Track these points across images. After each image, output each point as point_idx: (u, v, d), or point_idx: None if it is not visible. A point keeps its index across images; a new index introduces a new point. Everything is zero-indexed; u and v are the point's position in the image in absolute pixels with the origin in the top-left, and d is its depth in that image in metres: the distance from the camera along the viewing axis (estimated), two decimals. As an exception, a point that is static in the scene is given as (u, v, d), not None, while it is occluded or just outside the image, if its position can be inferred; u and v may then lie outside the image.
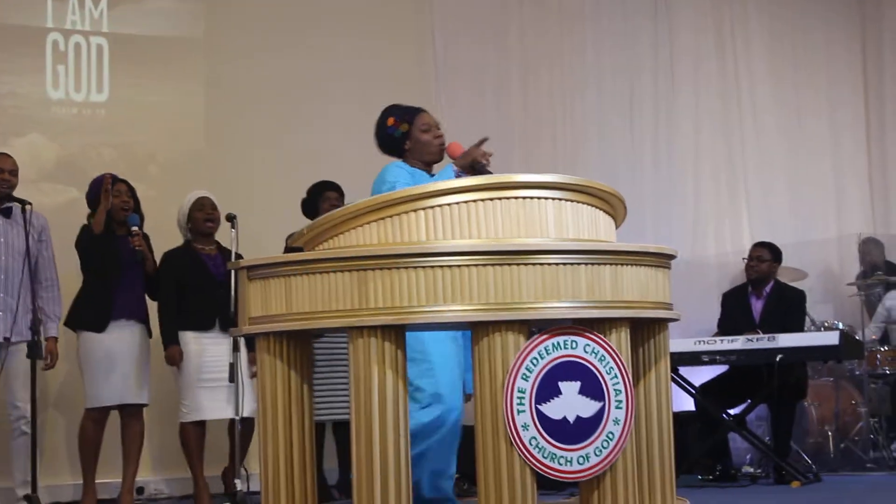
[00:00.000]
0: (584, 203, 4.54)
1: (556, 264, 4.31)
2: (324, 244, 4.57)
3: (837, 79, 11.66)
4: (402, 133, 5.69)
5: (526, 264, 4.28)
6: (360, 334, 4.36)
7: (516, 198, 4.43)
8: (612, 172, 9.91)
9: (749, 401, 8.61)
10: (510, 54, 10.10)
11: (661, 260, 4.63)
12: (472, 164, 5.28)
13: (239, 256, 7.03)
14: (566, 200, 4.49)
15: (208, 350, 7.46)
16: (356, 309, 4.35)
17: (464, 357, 5.46)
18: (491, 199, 4.41)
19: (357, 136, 9.16)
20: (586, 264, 4.36)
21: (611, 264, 4.41)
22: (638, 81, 10.52)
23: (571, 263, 4.33)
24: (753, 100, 11.06)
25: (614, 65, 10.47)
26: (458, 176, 5.20)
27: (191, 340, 7.49)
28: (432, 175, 5.63)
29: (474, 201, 4.40)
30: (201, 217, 7.68)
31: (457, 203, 4.40)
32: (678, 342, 8.59)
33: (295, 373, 4.69)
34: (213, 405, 7.45)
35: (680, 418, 8.92)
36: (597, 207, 4.60)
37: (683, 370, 8.55)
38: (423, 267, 4.28)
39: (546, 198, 4.45)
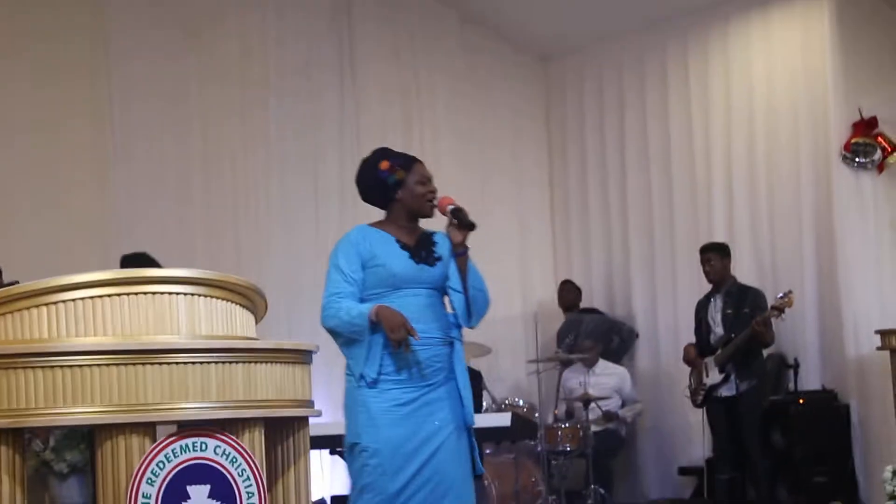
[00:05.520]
0: (219, 298, 4.40)
1: (185, 363, 4.16)
2: (-59, 340, 4.30)
3: (523, 157, 11.91)
4: (396, 180, 5.19)
5: (152, 363, 4.12)
6: (-25, 437, 4.12)
7: (146, 293, 4.26)
8: (298, 262, 9.80)
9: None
10: (191, 143, 9.85)
11: (299, 356, 4.53)
12: (455, 215, 5.10)
13: None
14: (200, 296, 4.34)
15: None
16: (-29, 411, 4.10)
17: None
18: (119, 295, 4.23)
19: (32, 205, 8.92)
20: (217, 363, 4.22)
21: (244, 362, 4.28)
22: (323, 165, 10.40)
23: (201, 362, 4.19)
24: (440, 177, 11.02)
25: (299, 149, 10.34)
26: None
27: None
28: (415, 235, 5.25)
29: (101, 297, 4.21)
30: None
31: (82, 298, 4.20)
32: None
33: None
34: None
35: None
36: (233, 302, 4.46)
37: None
38: (43, 367, 4.07)
39: (178, 293, 4.30)
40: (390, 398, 5.01)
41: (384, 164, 5.24)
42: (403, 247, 5.16)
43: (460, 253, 5.22)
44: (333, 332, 5.03)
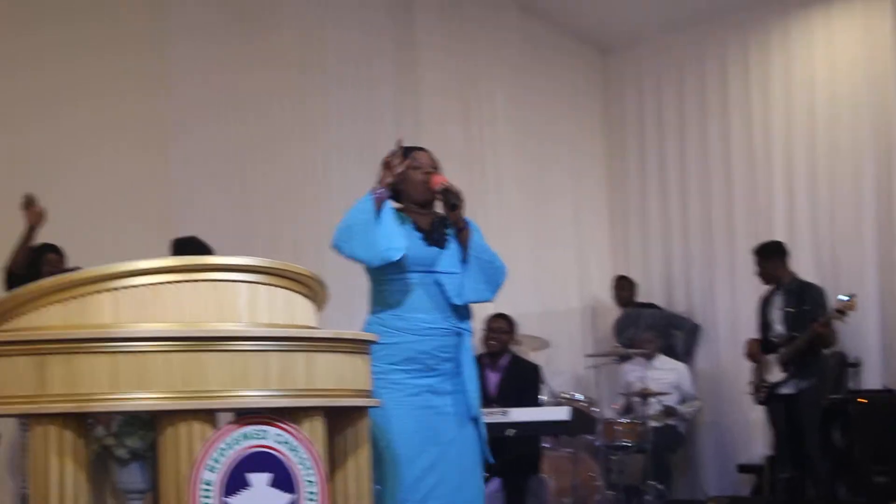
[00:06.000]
0: (280, 287, 4.38)
1: (246, 351, 4.14)
2: (5, 324, 4.30)
3: (581, 150, 11.86)
4: None
5: (213, 350, 4.10)
6: (39, 422, 4.12)
7: (208, 280, 4.24)
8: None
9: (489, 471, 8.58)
10: (251, 130, 9.85)
11: (359, 346, 4.50)
12: (443, 194, 5.19)
13: None
14: (261, 284, 4.32)
15: None
16: (34, 395, 4.10)
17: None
18: (181, 282, 4.22)
19: (90, 190, 8.94)
20: (278, 351, 4.20)
21: (304, 351, 4.26)
22: (382, 153, 10.35)
23: (262, 350, 4.16)
24: (498, 169, 11.13)
25: (357, 136, 10.33)
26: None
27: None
28: (429, 218, 5.35)
29: (163, 283, 4.20)
30: None
31: (145, 285, 4.19)
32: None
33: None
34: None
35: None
36: (294, 291, 4.44)
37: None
38: (106, 352, 4.06)
39: (239, 281, 4.28)
40: (402, 389, 5.13)
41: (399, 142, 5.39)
42: (418, 229, 5.24)
43: (459, 228, 5.30)
44: (344, 236, 5.10)
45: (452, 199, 5.21)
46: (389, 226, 5.09)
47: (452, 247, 5.30)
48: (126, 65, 9.27)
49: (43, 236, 8.06)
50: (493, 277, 5.31)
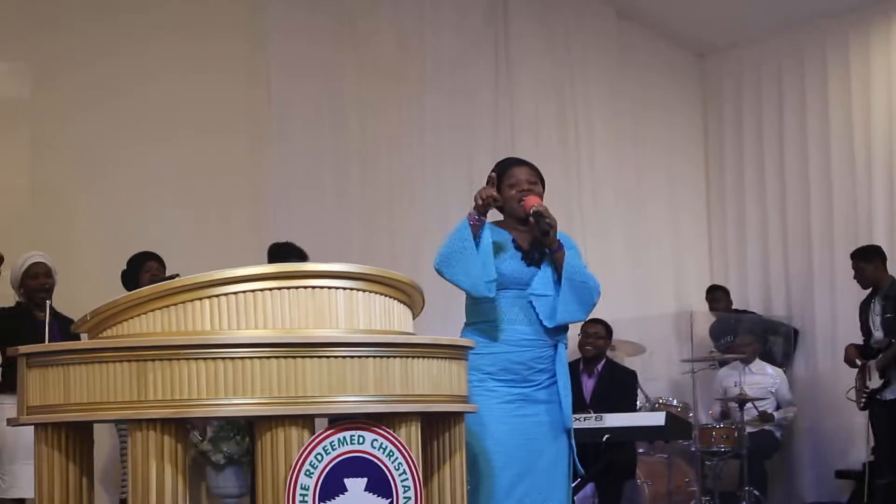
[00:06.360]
0: (377, 293, 4.40)
1: (343, 357, 4.17)
2: (106, 332, 4.37)
3: (678, 155, 11.78)
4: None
5: (311, 357, 4.13)
6: (138, 427, 4.18)
7: (306, 287, 4.28)
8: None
9: (578, 479, 8.56)
10: (349, 135, 9.90)
11: (456, 352, 4.51)
12: (535, 217, 5.15)
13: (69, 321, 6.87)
14: (358, 290, 4.35)
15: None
16: (135, 401, 4.16)
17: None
18: (279, 289, 4.26)
19: (188, 194, 9.03)
20: (375, 357, 4.22)
21: (401, 357, 4.27)
22: (478, 160, 10.36)
23: (359, 356, 4.19)
24: (594, 173, 11.09)
25: (453, 142, 10.34)
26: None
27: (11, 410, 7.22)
28: (529, 236, 5.31)
29: (262, 290, 4.25)
30: (34, 286, 7.52)
31: (244, 292, 4.23)
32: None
33: (74, 465, 4.48)
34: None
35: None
36: (391, 297, 4.46)
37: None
38: (205, 358, 4.10)
39: (337, 287, 4.31)
40: (496, 397, 5.16)
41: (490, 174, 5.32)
42: (518, 248, 5.23)
43: (553, 250, 5.26)
44: (445, 261, 5.12)
45: (543, 224, 5.17)
46: (487, 256, 5.09)
47: (547, 266, 5.28)
48: (223, 57, 9.34)
49: (140, 241, 8.17)
50: (586, 298, 5.28)
